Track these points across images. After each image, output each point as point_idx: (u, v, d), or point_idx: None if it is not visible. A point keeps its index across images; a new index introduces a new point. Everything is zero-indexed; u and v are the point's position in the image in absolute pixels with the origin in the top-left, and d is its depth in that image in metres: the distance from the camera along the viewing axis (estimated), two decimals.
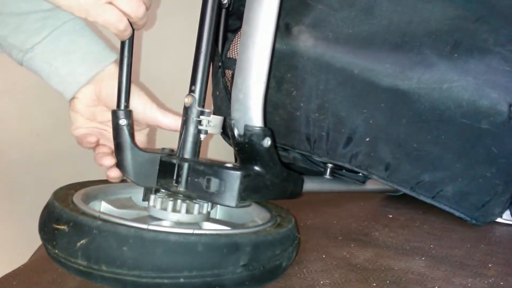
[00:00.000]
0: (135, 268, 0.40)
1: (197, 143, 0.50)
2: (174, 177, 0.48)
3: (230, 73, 0.64)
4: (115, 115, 0.51)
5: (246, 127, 0.47)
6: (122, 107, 0.51)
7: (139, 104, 0.54)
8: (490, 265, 0.52)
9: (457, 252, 0.55)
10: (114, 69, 0.53)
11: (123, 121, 0.50)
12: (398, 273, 0.49)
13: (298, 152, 0.64)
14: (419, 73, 0.55)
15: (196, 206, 0.48)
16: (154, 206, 0.49)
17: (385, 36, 0.56)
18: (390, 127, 0.58)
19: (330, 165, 0.66)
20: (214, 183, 0.45)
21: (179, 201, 0.48)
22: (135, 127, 0.55)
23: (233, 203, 0.45)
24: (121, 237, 0.41)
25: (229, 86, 0.64)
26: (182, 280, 0.41)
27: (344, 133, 0.59)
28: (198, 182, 0.46)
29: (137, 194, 0.57)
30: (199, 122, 0.49)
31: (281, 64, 0.58)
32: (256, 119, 0.47)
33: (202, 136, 0.49)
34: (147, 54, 0.92)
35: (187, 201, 0.48)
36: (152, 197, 0.49)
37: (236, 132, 0.47)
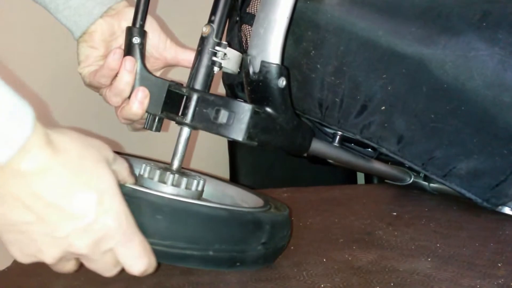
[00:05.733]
0: (167, 238, 0.42)
1: (209, 76, 0.51)
2: (181, 108, 0.49)
3: (248, 27, 0.66)
4: (129, 32, 0.52)
5: (263, 63, 0.48)
6: (138, 25, 0.52)
7: (158, 39, 0.56)
8: (499, 265, 0.52)
9: (465, 251, 0.56)
10: (127, 7, 0.55)
11: (136, 39, 0.52)
12: (403, 275, 0.50)
13: (307, 118, 0.65)
14: (446, 39, 0.56)
15: (184, 180, 0.49)
16: (143, 176, 0.50)
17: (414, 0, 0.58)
18: (409, 94, 0.59)
19: (339, 133, 0.66)
20: (223, 114, 0.47)
21: (167, 173, 0.49)
22: (151, 67, 0.56)
23: (240, 137, 0.47)
24: (156, 206, 0.42)
25: (245, 41, 0.66)
26: (211, 253, 0.44)
27: (358, 100, 0.60)
28: (206, 112, 0.47)
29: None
30: (214, 54, 0.50)
31: (302, 21, 0.59)
32: (273, 56, 0.48)
33: (216, 69, 0.51)
34: None
35: (177, 174, 0.49)
36: (143, 166, 0.50)
37: (251, 69, 0.49)
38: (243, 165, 1.37)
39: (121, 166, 0.43)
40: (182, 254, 0.43)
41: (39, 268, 0.55)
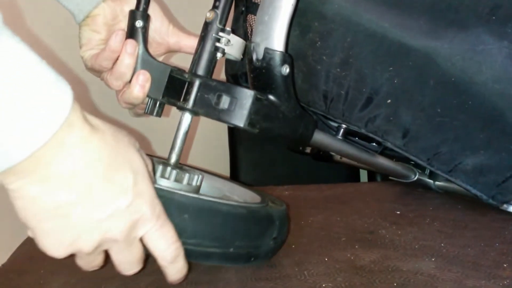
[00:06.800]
0: (193, 237, 0.43)
1: (212, 62, 0.51)
2: (183, 94, 0.49)
3: (253, 17, 0.66)
4: (132, 15, 0.53)
5: (266, 50, 0.49)
6: (141, 8, 0.53)
7: (160, 23, 0.56)
8: (505, 265, 0.52)
9: (469, 251, 0.55)
10: None
11: (139, 23, 0.52)
12: (406, 275, 0.49)
13: (312, 111, 0.65)
14: (454, 32, 0.56)
15: (187, 175, 0.50)
16: None
17: None
18: (415, 88, 0.59)
19: (344, 126, 0.66)
20: (225, 100, 0.47)
21: (169, 168, 0.49)
22: (153, 52, 0.56)
23: (241, 123, 0.47)
24: (183, 206, 0.43)
25: (250, 32, 0.66)
26: (232, 250, 0.46)
27: (364, 93, 0.60)
28: (207, 98, 0.48)
29: None
30: (218, 40, 0.51)
31: (308, 11, 0.59)
32: (278, 43, 0.49)
33: (219, 55, 0.51)
34: None
35: (177, 169, 0.50)
36: None
37: (254, 56, 0.49)
38: (243, 162, 1.37)
39: (146, 161, 0.43)
40: (205, 252, 0.45)
41: (36, 265, 0.55)
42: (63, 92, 0.33)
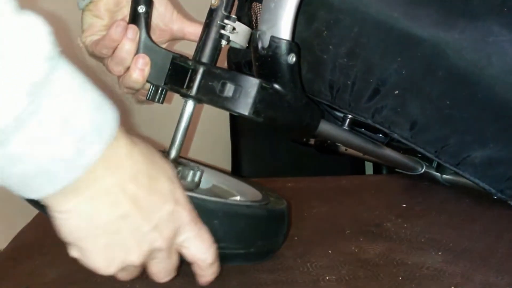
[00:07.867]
0: (221, 241, 0.44)
1: (216, 49, 0.51)
2: (186, 81, 0.49)
3: (258, 5, 0.66)
4: (135, 0, 0.52)
5: (272, 39, 0.48)
6: None
7: (164, 9, 0.56)
8: None
9: (477, 245, 0.55)
10: None
11: (141, 8, 0.52)
12: (411, 269, 0.49)
13: (317, 101, 0.65)
14: (464, 23, 0.56)
15: (191, 172, 0.51)
16: None
17: None
18: (424, 79, 0.58)
19: (350, 116, 0.66)
20: (230, 88, 0.47)
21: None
22: (157, 39, 0.56)
23: (246, 111, 0.47)
24: (213, 212, 0.44)
25: (255, 19, 0.66)
26: (253, 249, 0.47)
27: (371, 84, 0.60)
28: (211, 85, 0.48)
29: None
30: (223, 27, 0.50)
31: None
32: (284, 31, 0.49)
33: (223, 42, 0.51)
34: None
35: (181, 167, 0.50)
36: None
37: (260, 45, 0.49)
38: (245, 154, 1.37)
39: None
40: (230, 254, 0.46)
41: (32, 255, 0.55)
42: (111, 109, 0.34)
